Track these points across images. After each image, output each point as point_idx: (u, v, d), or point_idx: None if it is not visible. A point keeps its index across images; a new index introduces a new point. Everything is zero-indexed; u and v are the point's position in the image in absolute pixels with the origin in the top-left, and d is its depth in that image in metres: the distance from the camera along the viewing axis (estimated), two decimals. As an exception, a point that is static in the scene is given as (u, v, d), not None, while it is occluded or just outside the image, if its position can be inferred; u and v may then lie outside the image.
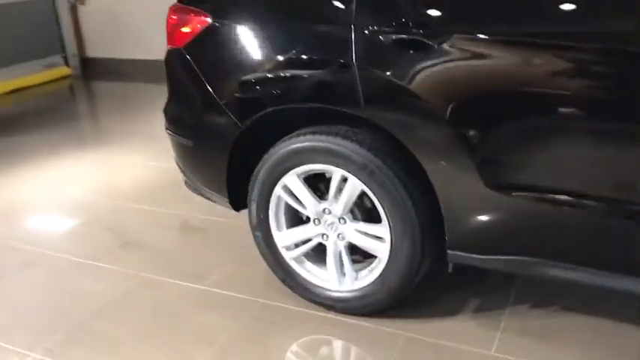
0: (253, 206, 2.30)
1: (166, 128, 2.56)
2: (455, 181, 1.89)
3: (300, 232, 2.28)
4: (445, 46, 1.77)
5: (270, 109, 2.12)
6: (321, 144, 2.08)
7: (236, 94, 2.19)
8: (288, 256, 2.32)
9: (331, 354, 2.19)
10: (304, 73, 2.05)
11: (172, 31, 2.36)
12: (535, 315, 2.22)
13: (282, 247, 2.32)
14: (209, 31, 2.24)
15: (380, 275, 2.14)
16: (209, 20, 2.23)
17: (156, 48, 6.09)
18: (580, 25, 1.68)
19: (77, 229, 3.17)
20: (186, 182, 2.67)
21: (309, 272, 2.31)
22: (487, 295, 2.34)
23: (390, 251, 2.08)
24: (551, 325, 2.15)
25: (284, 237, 2.31)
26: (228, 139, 2.25)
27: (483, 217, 1.90)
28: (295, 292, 2.37)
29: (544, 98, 1.74)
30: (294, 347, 2.18)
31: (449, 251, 2.01)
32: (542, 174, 1.79)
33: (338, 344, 2.20)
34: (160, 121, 2.61)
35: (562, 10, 1.70)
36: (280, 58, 2.08)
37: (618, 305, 2.18)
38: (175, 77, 2.45)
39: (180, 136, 2.45)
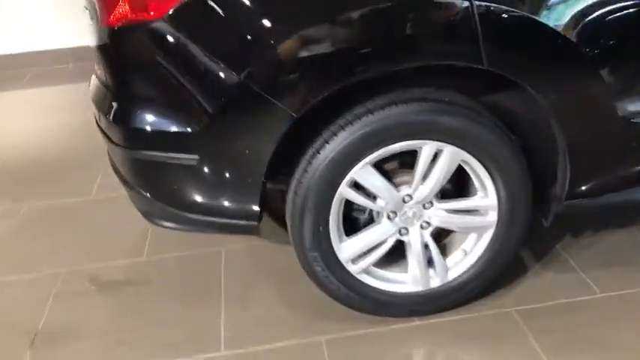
0: (308, 219, 1.70)
1: (126, 146, 1.70)
2: (590, 122, 1.68)
3: (371, 236, 1.79)
4: None
5: (348, 81, 1.55)
6: (413, 117, 1.63)
7: (290, 69, 1.53)
8: (355, 270, 1.81)
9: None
10: (400, 21, 1.52)
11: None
12: (592, 246, 2.16)
13: (347, 262, 1.79)
14: None
15: (483, 254, 1.83)
16: None
17: None
18: None
19: None
20: (150, 214, 1.83)
21: (384, 280, 1.85)
22: (527, 244, 2.19)
23: (498, 223, 1.78)
24: (619, 251, 2.12)
25: (349, 248, 1.78)
26: (272, 137, 1.59)
27: (616, 154, 1.75)
28: (365, 310, 1.88)
29: None
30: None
31: (565, 202, 1.80)
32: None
33: (464, 348, 1.80)
34: None
35: None
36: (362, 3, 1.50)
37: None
38: (145, 66, 1.60)
39: (169, 151, 1.64)
